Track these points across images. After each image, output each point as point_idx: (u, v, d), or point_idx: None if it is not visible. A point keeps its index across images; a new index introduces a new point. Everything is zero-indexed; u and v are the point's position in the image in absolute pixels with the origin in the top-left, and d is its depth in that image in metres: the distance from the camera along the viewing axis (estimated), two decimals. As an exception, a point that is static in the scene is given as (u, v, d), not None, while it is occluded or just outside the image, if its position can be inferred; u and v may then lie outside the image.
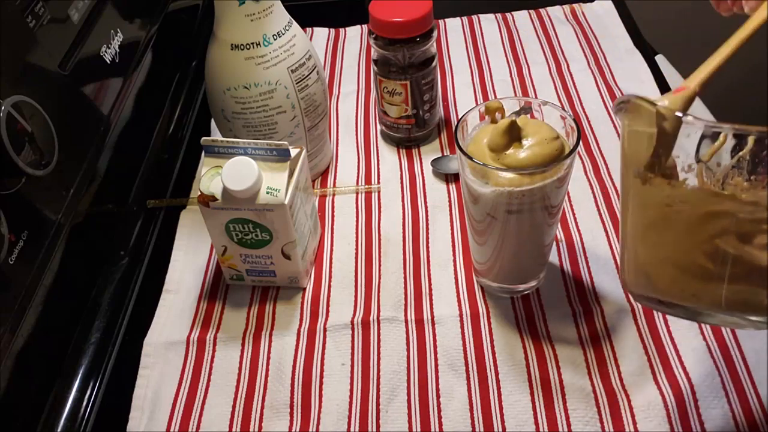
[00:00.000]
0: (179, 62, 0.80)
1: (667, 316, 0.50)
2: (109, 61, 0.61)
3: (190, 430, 0.48)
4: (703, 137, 0.37)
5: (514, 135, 0.43)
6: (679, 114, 0.35)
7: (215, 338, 0.54)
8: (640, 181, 0.37)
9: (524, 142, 0.44)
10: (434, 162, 0.66)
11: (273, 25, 0.56)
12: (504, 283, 0.53)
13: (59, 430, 0.48)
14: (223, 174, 0.49)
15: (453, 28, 0.85)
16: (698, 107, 0.80)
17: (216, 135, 0.68)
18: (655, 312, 0.51)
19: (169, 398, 0.50)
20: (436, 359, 0.50)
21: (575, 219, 0.59)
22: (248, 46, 0.56)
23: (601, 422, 0.45)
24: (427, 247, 0.58)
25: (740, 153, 0.36)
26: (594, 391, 0.47)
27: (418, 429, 0.47)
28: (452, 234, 0.59)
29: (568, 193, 0.61)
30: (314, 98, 0.60)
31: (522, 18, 0.85)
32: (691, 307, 0.37)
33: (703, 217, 0.35)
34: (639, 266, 0.39)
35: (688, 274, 0.36)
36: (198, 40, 0.84)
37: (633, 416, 0.45)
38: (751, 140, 0.35)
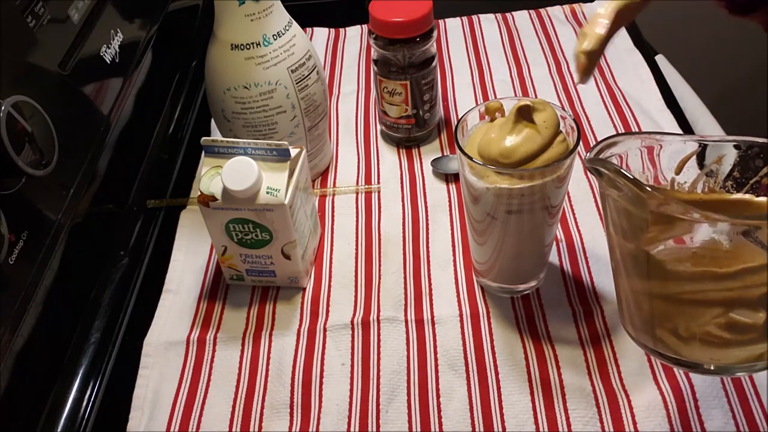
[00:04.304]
0: (179, 62, 0.80)
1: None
2: (109, 61, 0.61)
3: (190, 430, 0.48)
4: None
5: (526, 118, 0.43)
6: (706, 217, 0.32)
7: (215, 338, 0.54)
8: (639, 255, 0.35)
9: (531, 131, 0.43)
10: (434, 162, 0.66)
11: (273, 25, 0.56)
12: (504, 283, 0.53)
13: (59, 430, 0.48)
14: (223, 174, 0.49)
15: (453, 28, 0.85)
16: (701, 113, 0.80)
17: (216, 135, 0.68)
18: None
19: (169, 398, 0.50)
20: (436, 359, 0.50)
21: (575, 219, 0.59)
22: (248, 46, 0.56)
23: (601, 422, 0.45)
24: (427, 247, 0.58)
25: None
26: (594, 391, 0.47)
27: (418, 429, 0.47)
28: (452, 234, 0.59)
29: (568, 193, 0.61)
30: (314, 98, 0.60)
31: (522, 18, 0.85)
32: (704, 365, 0.36)
33: (713, 293, 0.34)
34: (643, 326, 0.38)
35: (700, 342, 0.35)
36: (198, 40, 0.84)
37: (633, 416, 0.45)
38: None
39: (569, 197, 0.61)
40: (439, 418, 0.47)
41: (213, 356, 0.53)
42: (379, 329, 0.52)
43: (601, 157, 0.36)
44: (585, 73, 0.40)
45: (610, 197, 0.36)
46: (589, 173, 0.37)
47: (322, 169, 0.67)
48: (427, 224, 0.60)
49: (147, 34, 0.70)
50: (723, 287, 0.34)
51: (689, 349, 0.36)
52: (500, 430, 0.46)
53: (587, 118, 0.69)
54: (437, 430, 0.46)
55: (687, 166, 0.38)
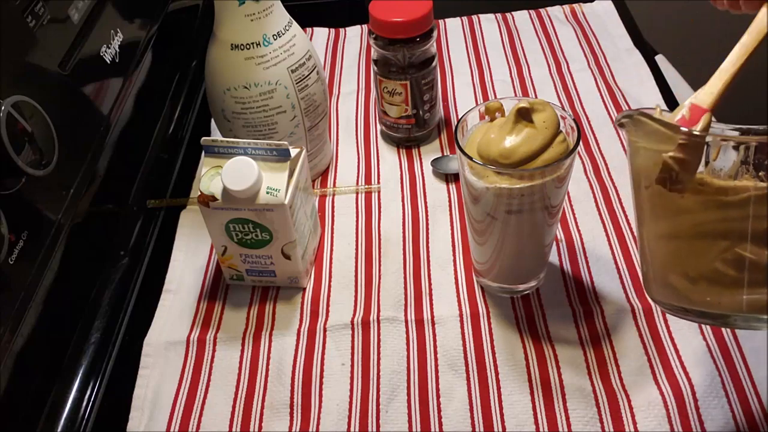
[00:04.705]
0: (179, 62, 0.80)
1: (667, 316, 0.50)
2: (109, 61, 0.61)
3: (190, 430, 0.48)
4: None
5: (526, 118, 0.43)
6: (706, 138, 0.35)
7: (215, 338, 0.54)
8: (653, 194, 0.37)
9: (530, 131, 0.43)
10: (434, 162, 0.66)
11: (273, 25, 0.56)
12: (504, 283, 0.53)
13: (59, 430, 0.48)
14: (223, 174, 0.49)
15: (453, 28, 0.85)
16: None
17: (216, 135, 0.68)
18: (655, 312, 0.51)
19: (169, 398, 0.50)
20: (436, 359, 0.50)
21: (575, 219, 0.59)
22: (248, 46, 0.56)
23: (601, 422, 0.45)
24: (427, 247, 0.58)
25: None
26: (594, 391, 0.47)
27: (418, 429, 0.47)
28: (452, 234, 0.59)
29: (568, 193, 0.61)
30: (314, 98, 0.60)
31: (522, 18, 0.85)
32: (715, 313, 0.37)
33: (718, 224, 0.35)
34: (660, 276, 0.39)
35: (708, 282, 0.36)
36: (198, 40, 0.84)
37: (633, 416, 0.45)
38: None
39: (569, 197, 0.61)
40: (439, 418, 0.47)
41: (213, 356, 0.53)
42: (379, 329, 0.52)
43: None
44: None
45: (634, 145, 0.38)
46: (618, 129, 0.39)
47: (322, 169, 0.67)
48: (427, 224, 0.60)
49: (147, 34, 0.70)
50: (727, 217, 0.34)
51: (699, 291, 0.37)
52: (500, 430, 0.46)
53: (587, 118, 0.69)
54: (437, 430, 0.46)
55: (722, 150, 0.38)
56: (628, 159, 0.39)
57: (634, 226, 0.58)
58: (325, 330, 0.53)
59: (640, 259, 0.41)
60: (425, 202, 0.62)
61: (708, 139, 0.35)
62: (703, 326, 0.49)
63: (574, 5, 0.85)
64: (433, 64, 0.64)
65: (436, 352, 0.51)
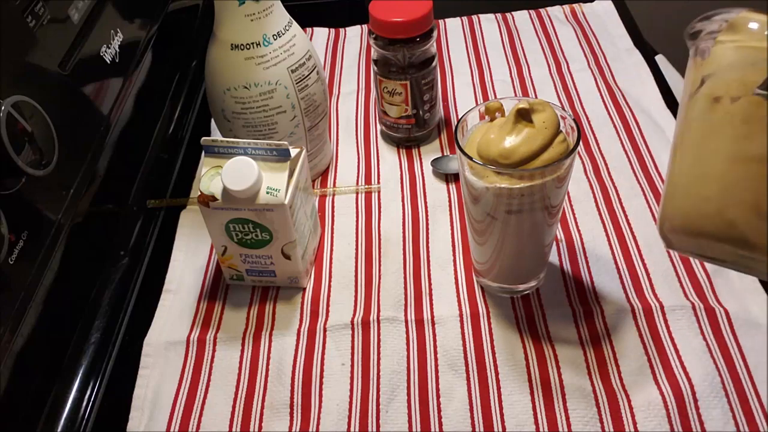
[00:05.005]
0: (179, 62, 0.80)
1: (668, 316, 0.50)
2: (109, 61, 0.61)
3: (190, 430, 0.48)
4: None
5: (526, 119, 0.43)
6: None
7: (215, 338, 0.54)
8: (747, 106, 0.32)
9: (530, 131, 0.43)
10: (434, 162, 0.66)
11: (273, 25, 0.56)
12: (504, 283, 0.53)
13: (59, 430, 0.48)
14: (223, 174, 0.49)
15: (453, 28, 0.85)
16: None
17: (216, 135, 0.68)
18: (655, 312, 0.51)
19: (169, 398, 0.50)
20: (436, 359, 0.50)
21: (575, 219, 0.59)
22: (248, 46, 0.56)
23: (601, 422, 0.45)
24: (427, 247, 0.58)
25: None
26: (594, 391, 0.47)
27: (418, 429, 0.47)
28: (452, 234, 0.59)
29: (568, 193, 0.61)
30: (314, 98, 0.60)
31: (522, 18, 0.85)
32: (757, 258, 0.32)
33: None
34: (715, 207, 0.34)
35: None
36: (198, 40, 0.84)
37: (633, 416, 0.45)
38: None
39: (569, 197, 0.61)
40: (439, 418, 0.47)
41: (213, 356, 0.53)
42: (379, 329, 0.52)
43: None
44: None
45: (722, 47, 0.33)
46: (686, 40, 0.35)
47: (322, 169, 0.67)
48: (427, 224, 0.60)
49: (147, 34, 0.70)
50: None
51: (763, 230, 0.32)
52: (500, 430, 0.46)
53: (587, 118, 0.69)
54: (437, 430, 0.46)
55: None
56: (695, 69, 0.34)
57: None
58: (325, 330, 0.53)
59: (667, 191, 0.36)
60: (425, 202, 0.62)
61: None
62: (702, 326, 0.49)
63: (574, 5, 0.85)
64: (433, 64, 0.64)
65: (436, 352, 0.51)
